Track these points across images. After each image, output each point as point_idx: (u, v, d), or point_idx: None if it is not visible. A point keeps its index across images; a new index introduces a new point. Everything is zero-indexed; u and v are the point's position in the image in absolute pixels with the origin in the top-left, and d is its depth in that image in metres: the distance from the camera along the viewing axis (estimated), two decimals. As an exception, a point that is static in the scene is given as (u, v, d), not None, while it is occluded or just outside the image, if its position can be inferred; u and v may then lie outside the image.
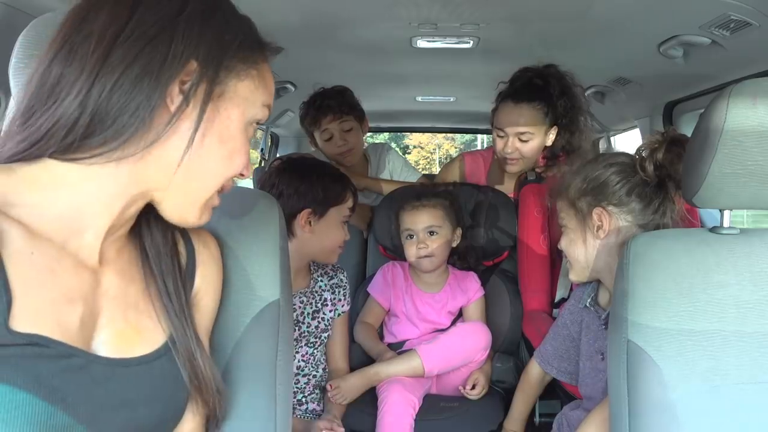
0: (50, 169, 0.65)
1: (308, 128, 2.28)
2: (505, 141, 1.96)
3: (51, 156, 0.64)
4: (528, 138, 1.94)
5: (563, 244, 1.35)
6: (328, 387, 1.61)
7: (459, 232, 1.87)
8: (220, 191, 0.76)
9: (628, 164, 1.25)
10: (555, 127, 1.97)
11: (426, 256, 1.79)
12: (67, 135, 0.63)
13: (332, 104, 2.18)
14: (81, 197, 0.66)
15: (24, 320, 0.60)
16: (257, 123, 0.76)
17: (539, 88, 1.94)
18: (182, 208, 0.73)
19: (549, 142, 1.99)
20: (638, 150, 1.24)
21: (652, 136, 1.22)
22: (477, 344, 1.72)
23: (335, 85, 2.24)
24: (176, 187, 0.71)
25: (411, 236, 1.81)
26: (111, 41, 0.63)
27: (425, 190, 1.92)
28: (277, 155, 3.63)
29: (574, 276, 1.34)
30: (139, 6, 0.65)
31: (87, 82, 0.62)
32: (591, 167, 1.29)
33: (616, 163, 1.27)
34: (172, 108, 0.66)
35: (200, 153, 0.69)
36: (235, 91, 0.71)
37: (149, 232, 0.77)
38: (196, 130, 0.68)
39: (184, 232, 0.82)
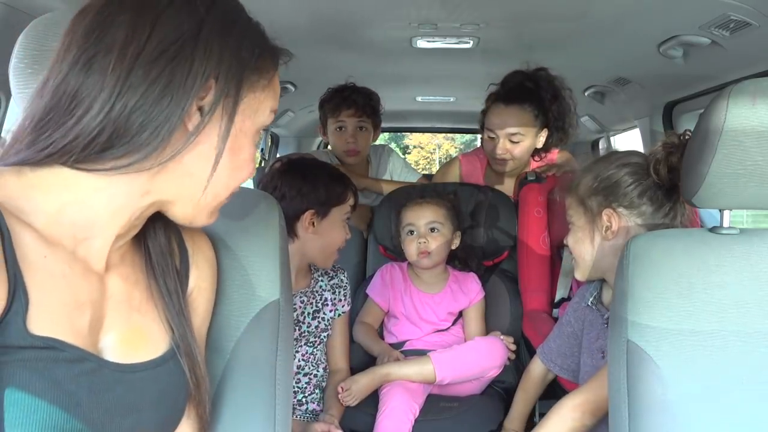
0: (61, 175, 0.64)
1: (326, 114, 2.30)
2: (496, 142, 1.99)
3: (63, 164, 0.64)
4: (519, 139, 1.97)
5: (570, 242, 1.34)
6: (339, 389, 1.61)
7: (459, 235, 1.87)
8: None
9: (641, 165, 1.23)
10: (545, 129, 2.00)
11: (425, 252, 1.79)
12: (83, 150, 0.62)
13: (359, 100, 2.23)
14: (92, 205, 0.66)
15: (40, 323, 0.60)
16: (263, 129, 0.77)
17: (530, 90, 1.96)
18: (193, 214, 0.74)
19: (539, 144, 2.02)
20: (653, 152, 1.21)
21: (669, 137, 1.19)
22: (492, 362, 1.71)
23: (366, 87, 2.28)
24: (189, 198, 0.71)
25: (412, 232, 1.81)
26: (132, 59, 0.62)
27: (429, 190, 1.91)
28: (277, 155, 3.64)
29: (579, 274, 1.33)
30: (159, 22, 0.64)
31: (108, 100, 0.62)
32: (603, 166, 1.27)
33: (630, 164, 1.24)
34: (190, 126, 0.66)
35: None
36: (248, 104, 0.71)
37: (154, 234, 0.77)
38: (221, 151, 0.68)
39: (179, 233, 0.82)
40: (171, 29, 0.64)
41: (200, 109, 0.67)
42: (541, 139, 2.01)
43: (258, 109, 0.73)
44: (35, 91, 0.65)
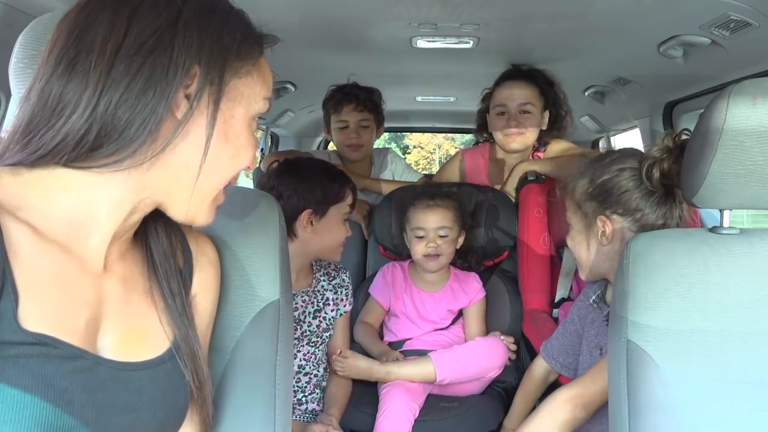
0: (57, 174, 0.65)
1: (329, 110, 2.34)
2: (507, 116, 2.04)
3: (57, 163, 0.64)
4: (529, 109, 2.04)
5: (569, 243, 1.35)
6: (338, 352, 1.64)
7: (463, 235, 1.87)
8: (225, 186, 0.76)
9: (637, 169, 1.21)
10: (547, 111, 2.08)
11: (434, 255, 1.79)
12: (74, 149, 0.63)
13: (360, 95, 2.27)
14: (88, 203, 0.66)
15: (32, 319, 0.60)
16: (259, 117, 0.77)
17: (530, 75, 2.07)
18: (191, 208, 0.73)
19: (543, 126, 2.08)
20: (645, 156, 1.20)
21: (664, 140, 1.17)
22: (493, 362, 1.72)
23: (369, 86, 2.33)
24: (184, 189, 0.70)
25: (421, 236, 1.81)
26: (112, 55, 0.62)
27: (437, 190, 1.92)
28: (277, 155, 3.63)
29: (583, 274, 1.34)
30: (136, 16, 0.64)
31: (92, 98, 0.62)
32: (598, 169, 1.26)
33: (624, 169, 1.22)
34: (179, 115, 0.66)
35: (208, 154, 0.69)
36: (237, 90, 0.71)
37: (156, 235, 0.77)
38: (210, 137, 0.68)
39: (183, 237, 0.82)
40: (148, 22, 0.64)
41: (188, 97, 0.67)
42: (545, 120, 2.08)
43: (248, 95, 0.72)
44: (23, 96, 0.65)
